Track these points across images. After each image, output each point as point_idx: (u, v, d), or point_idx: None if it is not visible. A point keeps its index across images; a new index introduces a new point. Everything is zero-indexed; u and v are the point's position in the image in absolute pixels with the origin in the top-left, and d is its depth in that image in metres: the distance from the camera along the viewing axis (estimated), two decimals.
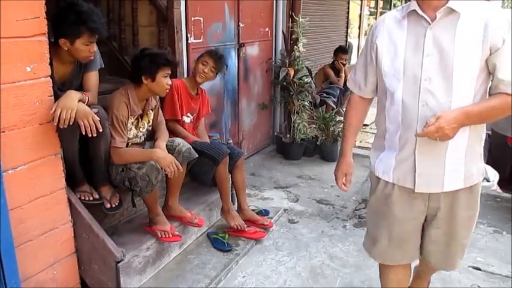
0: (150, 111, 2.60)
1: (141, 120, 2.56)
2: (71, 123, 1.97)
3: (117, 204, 2.44)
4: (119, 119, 2.34)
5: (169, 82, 2.50)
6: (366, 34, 8.56)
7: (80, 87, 2.29)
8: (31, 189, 1.97)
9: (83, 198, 2.28)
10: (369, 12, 8.67)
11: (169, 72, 2.49)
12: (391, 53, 1.63)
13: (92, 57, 2.25)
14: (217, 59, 3.02)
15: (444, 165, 1.62)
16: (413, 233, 1.80)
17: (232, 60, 4.13)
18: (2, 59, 1.75)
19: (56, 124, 1.95)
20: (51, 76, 1.97)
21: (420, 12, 1.55)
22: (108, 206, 2.39)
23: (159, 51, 2.49)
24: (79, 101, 2.04)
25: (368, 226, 1.99)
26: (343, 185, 2.03)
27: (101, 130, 2.05)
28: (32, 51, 1.87)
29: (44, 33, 1.92)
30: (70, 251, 2.23)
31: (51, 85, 1.98)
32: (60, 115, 1.92)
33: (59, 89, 2.15)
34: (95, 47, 2.22)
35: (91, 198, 2.32)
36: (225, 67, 3.19)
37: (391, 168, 1.75)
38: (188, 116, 3.07)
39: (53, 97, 2.00)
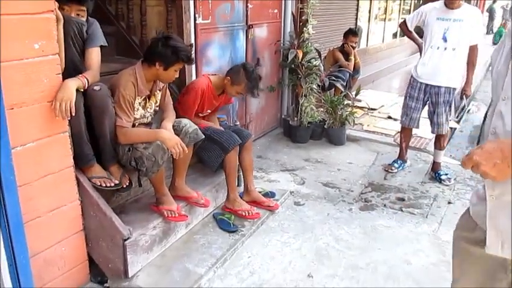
0: (158, 91, 2.59)
1: (149, 100, 2.55)
2: (73, 114, 1.99)
3: (127, 184, 2.45)
4: (125, 99, 2.34)
5: (177, 75, 2.51)
6: (376, 18, 8.43)
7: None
8: (39, 166, 1.99)
9: (99, 183, 2.28)
10: None
11: (181, 67, 2.48)
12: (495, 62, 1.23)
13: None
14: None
15: None
16: None
17: (240, 42, 4.10)
18: (9, 36, 1.74)
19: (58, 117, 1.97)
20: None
21: None
22: (117, 182, 2.38)
23: (183, 46, 2.45)
24: (78, 89, 2.06)
25: None
26: None
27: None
28: (40, 28, 1.87)
29: (52, 11, 1.92)
30: (78, 228, 2.26)
31: (59, 63, 1.99)
32: (60, 108, 1.94)
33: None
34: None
35: (112, 185, 2.33)
36: (256, 91, 3.05)
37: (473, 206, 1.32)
38: (206, 112, 3.08)
39: (60, 75, 2.00)
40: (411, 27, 3.78)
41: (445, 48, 3.51)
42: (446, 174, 3.78)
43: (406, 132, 3.97)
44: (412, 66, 3.88)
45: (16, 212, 1.85)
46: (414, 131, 4.04)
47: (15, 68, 1.80)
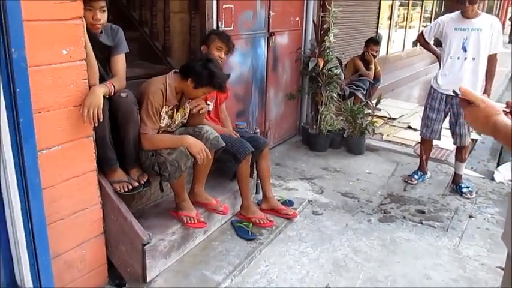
0: (187, 104, 2.61)
1: (177, 112, 2.57)
2: (100, 120, 2.02)
3: (145, 181, 2.46)
4: (153, 105, 2.36)
5: (204, 96, 2.56)
6: (396, 25, 8.37)
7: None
8: (64, 169, 2.02)
9: (119, 189, 2.31)
10: (399, 3, 8.46)
11: (212, 91, 2.55)
12: None
13: None
14: (228, 41, 2.94)
15: None
16: None
17: (262, 49, 4.11)
18: (39, 41, 1.78)
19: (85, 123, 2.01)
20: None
21: None
22: (136, 184, 2.41)
23: (220, 73, 2.46)
24: (104, 95, 2.09)
25: None
26: None
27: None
28: (68, 34, 1.91)
29: (80, 17, 1.95)
30: (98, 231, 2.28)
31: (85, 68, 2.02)
32: (87, 114, 1.98)
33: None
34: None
35: (130, 188, 2.34)
36: (233, 46, 3.04)
37: None
38: (208, 104, 3.03)
39: (86, 80, 2.03)
40: (429, 39, 3.75)
41: (465, 58, 3.48)
42: (467, 187, 3.72)
43: (426, 144, 3.92)
44: (432, 76, 3.84)
45: (40, 214, 1.88)
46: (435, 142, 3.99)
47: (44, 73, 1.83)
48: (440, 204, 3.53)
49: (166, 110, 2.50)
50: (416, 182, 3.88)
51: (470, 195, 3.64)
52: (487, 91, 3.58)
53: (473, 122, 1.22)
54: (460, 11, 3.48)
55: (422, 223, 3.19)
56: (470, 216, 3.33)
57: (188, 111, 2.66)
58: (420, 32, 3.86)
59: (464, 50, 3.46)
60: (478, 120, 1.18)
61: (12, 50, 1.64)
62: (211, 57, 2.54)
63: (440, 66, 3.66)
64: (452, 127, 3.67)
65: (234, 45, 3.02)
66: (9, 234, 1.86)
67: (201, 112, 2.63)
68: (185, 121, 2.68)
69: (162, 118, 2.48)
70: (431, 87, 3.70)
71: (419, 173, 3.96)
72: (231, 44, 2.97)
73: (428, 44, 3.80)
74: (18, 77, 1.67)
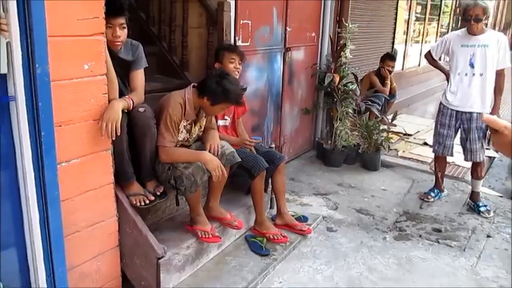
0: (203, 118, 2.64)
1: (194, 126, 2.59)
2: (118, 134, 2.06)
3: (161, 191, 2.47)
4: (172, 119, 2.39)
5: (223, 112, 2.59)
6: (411, 40, 8.34)
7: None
8: (82, 182, 2.04)
9: (135, 202, 2.32)
10: (415, 18, 8.44)
11: (230, 106, 2.59)
12: None
13: None
14: (238, 50, 2.96)
15: None
16: None
17: (278, 64, 4.13)
18: (62, 57, 1.82)
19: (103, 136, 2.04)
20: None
21: None
22: (152, 198, 2.42)
23: (233, 88, 2.45)
24: (123, 109, 2.12)
25: None
26: None
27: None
28: (90, 49, 1.95)
29: (102, 33, 1.99)
30: (114, 244, 2.30)
31: (106, 83, 2.06)
32: (106, 128, 2.01)
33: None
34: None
35: (146, 202, 2.36)
36: (243, 54, 3.04)
37: None
38: (225, 119, 3.06)
39: (107, 95, 2.07)
40: (436, 57, 3.78)
41: (473, 74, 3.49)
42: (485, 206, 3.65)
43: (440, 160, 3.89)
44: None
45: (58, 226, 1.91)
46: (451, 159, 3.94)
47: (66, 87, 1.87)
48: (457, 223, 3.47)
49: (185, 124, 2.52)
50: (432, 199, 3.84)
51: (488, 214, 3.58)
52: (496, 106, 3.58)
53: (500, 148, 1.23)
54: (466, 28, 3.53)
55: (438, 242, 3.14)
56: (488, 236, 3.27)
57: (204, 124, 2.68)
58: (428, 50, 3.87)
59: (472, 66, 3.49)
60: (504, 146, 1.19)
61: (37, 65, 1.69)
62: (225, 73, 2.55)
63: (448, 82, 3.66)
64: (463, 142, 3.65)
65: (243, 52, 3.03)
66: (26, 245, 1.89)
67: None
68: (201, 134, 2.70)
69: (180, 132, 2.50)
70: (441, 103, 3.71)
71: (435, 190, 3.91)
72: (241, 52, 2.99)
73: (435, 62, 3.84)
74: (41, 91, 1.72)
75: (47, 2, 1.68)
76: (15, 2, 1.61)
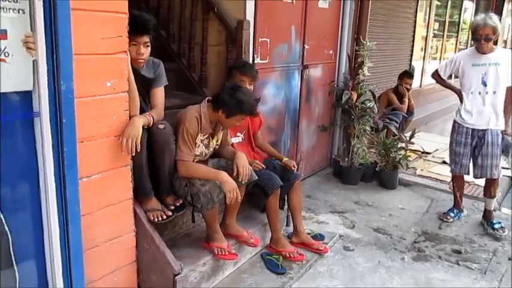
0: (220, 131, 2.66)
1: (211, 139, 2.62)
2: (138, 150, 2.09)
3: (179, 204, 2.48)
4: (189, 132, 2.41)
5: (239, 124, 2.60)
6: (429, 57, 8.29)
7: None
8: (102, 197, 2.07)
9: (152, 218, 2.34)
10: (433, 34, 8.41)
11: (245, 117, 2.57)
12: None
13: None
14: (250, 71, 2.92)
15: None
16: None
17: (295, 81, 4.15)
18: (85, 74, 1.87)
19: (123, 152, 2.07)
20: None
21: None
22: (170, 214, 2.43)
23: (247, 99, 2.47)
24: (143, 126, 2.15)
25: None
26: None
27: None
28: (113, 67, 1.99)
29: (125, 51, 2.04)
30: (131, 259, 2.31)
31: (127, 99, 2.10)
32: (126, 144, 2.05)
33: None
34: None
35: (164, 218, 2.37)
36: (256, 73, 3.00)
37: None
38: (238, 136, 3.05)
39: (128, 111, 2.10)
40: (444, 77, 3.76)
41: (486, 92, 3.48)
42: (499, 223, 3.58)
43: (458, 180, 3.83)
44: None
45: (77, 240, 1.93)
46: (471, 178, 3.88)
47: (89, 104, 1.91)
48: (477, 244, 3.40)
49: (202, 138, 2.54)
50: (452, 220, 3.77)
51: (503, 232, 3.50)
52: (506, 123, 3.55)
53: None
54: (474, 47, 3.53)
55: (458, 264, 3.08)
56: (510, 259, 3.18)
57: (221, 138, 2.69)
58: (435, 69, 3.86)
59: (484, 84, 3.48)
60: None
61: (61, 82, 1.74)
62: (237, 85, 2.57)
63: (461, 101, 3.64)
64: (474, 159, 3.61)
65: (257, 71, 3.01)
66: (46, 260, 1.91)
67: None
68: (217, 147, 2.71)
69: (197, 146, 2.52)
70: (455, 121, 3.69)
71: (455, 210, 3.84)
72: (254, 72, 2.96)
73: (444, 81, 3.82)
74: (65, 108, 1.76)
75: (73, 21, 1.73)
76: (42, 21, 1.66)
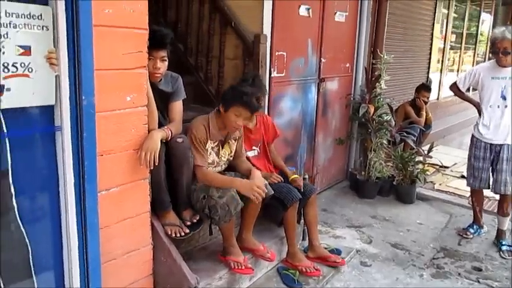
0: (233, 141, 2.67)
1: (222, 148, 2.63)
2: (156, 164, 2.11)
3: (196, 220, 2.49)
4: (196, 137, 2.46)
5: (240, 123, 2.49)
6: (447, 69, 8.22)
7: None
8: (120, 210, 2.09)
9: (169, 233, 2.34)
10: (450, 46, 8.34)
11: (245, 115, 2.46)
12: None
13: None
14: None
15: None
16: None
17: (312, 95, 4.15)
18: (106, 89, 1.90)
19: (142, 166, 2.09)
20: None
21: None
22: (187, 231, 2.42)
23: (247, 90, 2.43)
24: (161, 139, 2.18)
25: None
26: None
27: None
28: (133, 82, 2.02)
29: (145, 66, 2.07)
30: (148, 272, 2.32)
31: (146, 113, 2.12)
32: (144, 157, 2.06)
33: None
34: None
35: (182, 234, 2.37)
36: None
37: None
38: (253, 150, 3.04)
39: (147, 125, 2.13)
40: (463, 89, 3.72)
41: (506, 106, 3.43)
42: (509, 246, 3.49)
43: (477, 195, 3.76)
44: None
45: (95, 253, 1.95)
46: (491, 193, 3.80)
47: (108, 118, 1.94)
48: (498, 262, 3.32)
49: (212, 145, 2.56)
50: (471, 236, 3.69)
51: (508, 256, 3.41)
52: None
53: None
54: (494, 60, 3.48)
55: (479, 281, 3.00)
56: None
57: (234, 149, 2.70)
58: (453, 81, 3.81)
59: (504, 98, 3.43)
60: None
61: (83, 97, 1.77)
62: (247, 77, 2.61)
63: (479, 114, 3.59)
64: (492, 172, 3.54)
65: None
66: (64, 272, 1.93)
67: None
68: (231, 158, 2.72)
69: (209, 153, 2.54)
70: (473, 136, 3.63)
71: (474, 226, 3.76)
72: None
73: (462, 93, 3.78)
74: (86, 122, 1.79)
75: (95, 37, 1.77)
76: (65, 38, 1.70)
